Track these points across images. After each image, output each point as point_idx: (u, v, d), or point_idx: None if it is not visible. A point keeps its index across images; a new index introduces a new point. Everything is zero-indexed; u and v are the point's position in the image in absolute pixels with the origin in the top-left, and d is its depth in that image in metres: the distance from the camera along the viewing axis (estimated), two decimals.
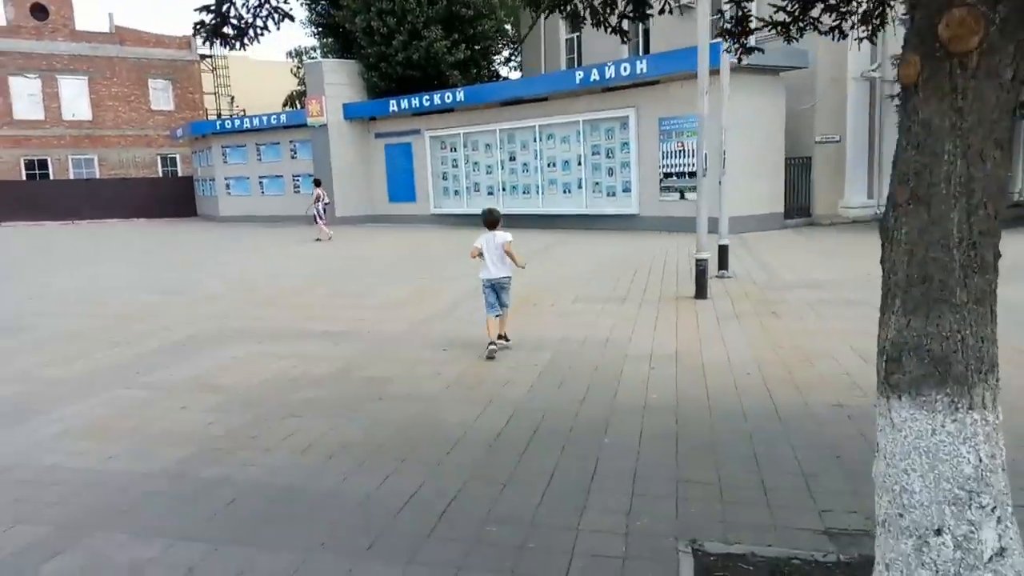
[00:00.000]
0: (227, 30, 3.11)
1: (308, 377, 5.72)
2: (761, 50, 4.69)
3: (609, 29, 4.44)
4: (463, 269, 11.83)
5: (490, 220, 6.63)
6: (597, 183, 18.84)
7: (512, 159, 20.80)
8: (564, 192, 19.71)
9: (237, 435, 4.44)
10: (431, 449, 4.08)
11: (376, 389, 5.32)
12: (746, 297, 8.50)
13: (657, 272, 10.79)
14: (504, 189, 21.08)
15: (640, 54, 21.90)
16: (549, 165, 19.93)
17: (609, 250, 14.00)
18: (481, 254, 6.52)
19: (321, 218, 19.46)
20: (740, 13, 4.37)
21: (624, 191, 18.40)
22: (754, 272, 10.51)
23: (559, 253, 13.79)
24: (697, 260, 8.61)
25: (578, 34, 25.09)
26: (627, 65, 17.07)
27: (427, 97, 21.83)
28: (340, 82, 24.12)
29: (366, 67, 23.91)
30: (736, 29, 4.43)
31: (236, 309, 8.88)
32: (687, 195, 17.00)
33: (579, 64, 24.16)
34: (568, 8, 4.54)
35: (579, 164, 19.19)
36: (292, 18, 3.15)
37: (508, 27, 29.36)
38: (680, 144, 17.03)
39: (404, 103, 22.46)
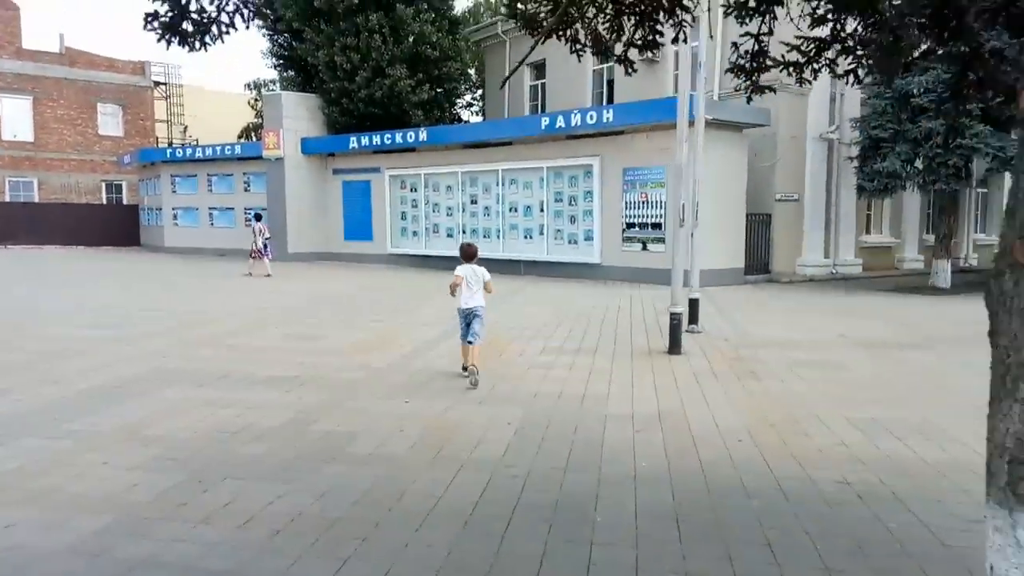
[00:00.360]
0: (186, 26, 2.61)
1: (253, 430, 5.08)
2: (773, 89, 4.38)
3: (614, 59, 4.08)
4: (423, 313, 11.29)
5: (468, 252, 7.15)
6: (559, 230, 18.60)
7: (474, 202, 20.47)
8: (525, 238, 19.41)
9: (166, 500, 3.79)
10: (396, 526, 3.51)
11: (331, 446, 4.73)
12: (720, 354, 8.17)
13: (625, 324, 10.43)
14: (464, 231, 20.66)
15: (604, 103, 22.02)
16: (511, 210, 19.65)
17: (573, 298, 13.64)
18: (458, 284, 6.95)
19: (264, 253, 18.71)
20: (757, 48, 4.06)
21: (586, 239, 18.18)
22: (723, 328, 10.24)
23: (521, 299, 13.36)
24: (672, 314, 8.26)
25: (542, 81, 25.19)
26: (593, 113, 17.02)
27: (388, 135, 21.46)
28: (299, 116, 23.59)
29: (327, 102, 23.47)
30: (750, 65, 4.11)
31: (175, 348, 8.13)
32: (649, 247, 16.87)
33: (542, 110, 24.19)
34: (568, 33, 4.17)
35: (541, 210, 18.95)
36: (265, 16, 2.69)
37: (471, 71, 29.37)
38: (644, 195, 16.94)
39: (365, 140, 22.03)
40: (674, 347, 8.14)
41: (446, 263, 21.63)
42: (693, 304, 9.87)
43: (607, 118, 16.74)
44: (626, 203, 17.28)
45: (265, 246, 18.84)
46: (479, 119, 33.01)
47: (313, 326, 9.83)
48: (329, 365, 7.25)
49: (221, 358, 7.58)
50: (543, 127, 18.00)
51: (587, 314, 11.36)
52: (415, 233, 22.02)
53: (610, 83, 22.54)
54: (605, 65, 22.91)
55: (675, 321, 8.18)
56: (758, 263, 18.06)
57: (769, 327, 10.40)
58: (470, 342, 6.72)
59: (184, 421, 5.26)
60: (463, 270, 6.98)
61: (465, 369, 6.71)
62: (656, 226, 16.74)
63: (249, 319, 10.49)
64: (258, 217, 19.89)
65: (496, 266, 20.31)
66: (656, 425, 5.32)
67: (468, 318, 6.87)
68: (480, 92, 35.33)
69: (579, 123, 17.26)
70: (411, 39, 22.90)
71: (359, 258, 23.10)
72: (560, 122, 17.61)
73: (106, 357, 7.54)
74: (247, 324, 9.98)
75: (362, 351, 8.05)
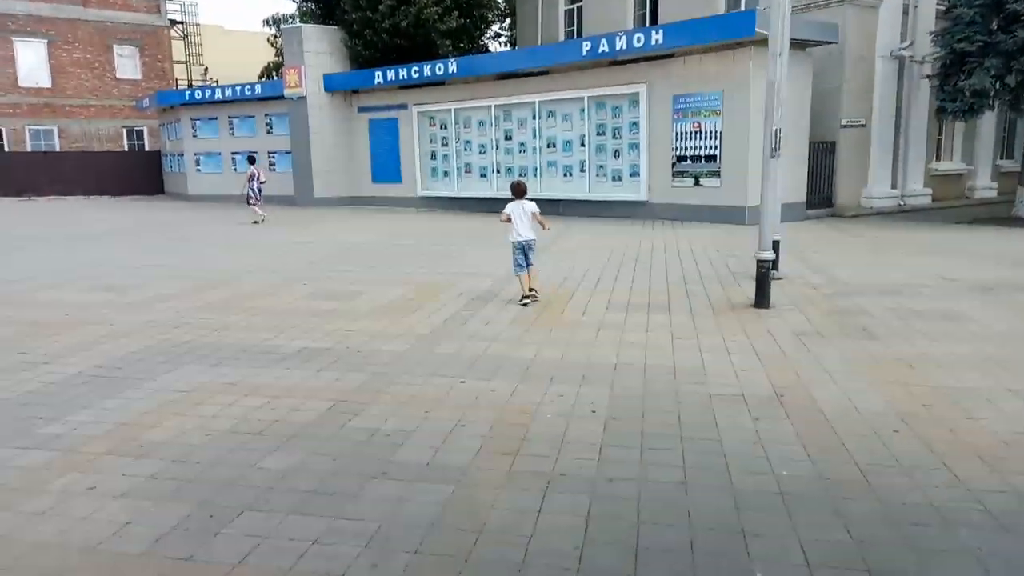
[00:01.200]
0: None
1: (280, 429, 4.10)
2: None
3: None
4: (467, 260, 10.20)
5: (518, 189, 7.85)
6: (602, 166, 17.26)
7: (508, 138, 19.12)
8: (565, 175, 18.10)
9: (164, 550, 2.83)
10: None
11: (378, 453, 3.73)
12: (815, 306, 7.00)
13: (692, 270, 9.25)
14: (498, 171, 19.41)
15: (647, 25, 20.25)
16: (549, 146, 18.30)
17: (624, 241, 12.45)
18: (510, 219, 7.66)
19: (255, 198, 17.69)
20: None
21: (632, 175, 16.83)
22: (805, 272, 9.01)
23: (568, 244, 12.21)
24: (759, 261, 7.07)
25: (579, 4, 23.34)
26: (640, 35, 15.43)
27: (416, 68, 20.02)
28: (321, 50, 22.18)
29: (349, 34, 21.99)
30: None
31: (190, 315, 7.17)
32: (703, 181, 15.50)
33: (579, 36, 22.45)
34: None
35: (582, 145, 17.57)
36: None
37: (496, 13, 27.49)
38: (696, 125, 15.48)
39: (390, 74, 20.62)
40: (762, 300, 6.99)
41: (481, 206, 20.58)
42: (774, 247, 8.62)
43: (656, 40, 15.15)
44: (676, 134, 15.84)
45: (259, 190, 17.81)
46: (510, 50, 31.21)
47: (344, 282, 8.83)
48: (366, 332, 6.25)
49: (241, 326, 6.62)
50: (584, 52, 16.45)
51: (645, 259, 10.19)
52: (446, 174, 20.80)
53: (654, 3, 20.69)
54: None
55: (764, 269, 7.00)
56: (820, 196, 16.59)
57: (855, 269, 9.16)
58: (529, 266, 7.48)
59: (195, 417, 4.30)
60: (512, 207, 7.69)
61: (526, 297, 7.34)
62: (710, 159, 15.32)
63: (274, 275, 9.52)
64: (251, 160, 18.76)
65: None
66: (777, 409, 4.24)
67: (524, 249, 7.50)
68: (509, 21, 33.39)
69: (624, 46, 15.69)
70: None
71: (389, 202, 22.00)
72: (603, 46, 16.05)
73: (105, 328, 6.61)
74: (271, 282, 9.01)
75: (403, 312, 7.04)
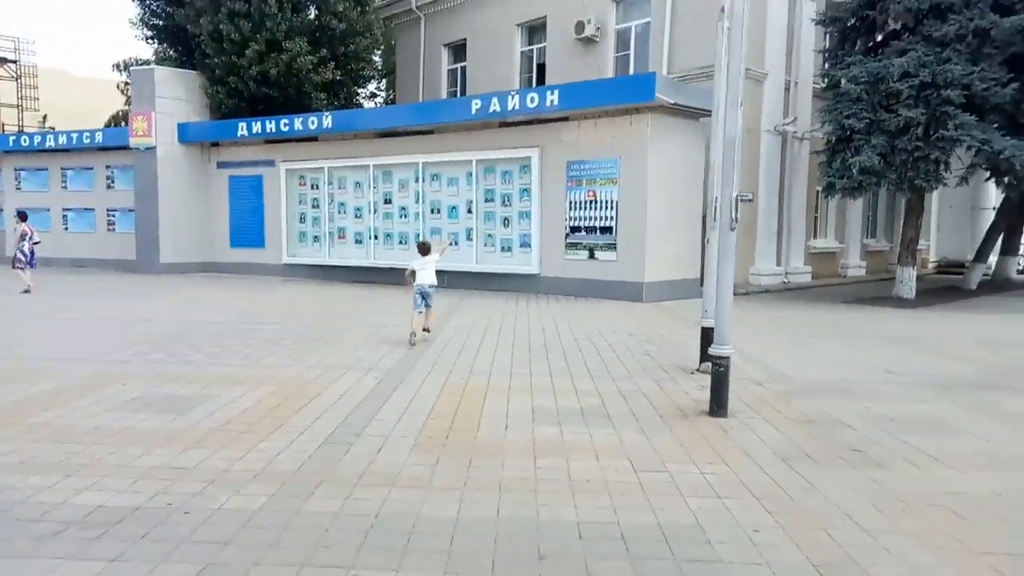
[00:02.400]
0: None
1: None
2: None
3: None
4: (343, 346, 8.35)
5: (424, 249, 9.25)
6: (490, 235, 16.02)
7: (388, 201, 17.56)
8: (450, 244, 16.65)
9: None
10: None
11: None
12: (776, 412, 5.81)
13: (611, 359, 7.95)
14: (375, 237, 17.72)
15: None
16: (433, 211, 16.89)
17: (522, 320, 11.06)
18: (414, 273, 8.97)
19: (25, 262, 14.90)
20: None
21: (523, 246, 15.68)
22: (736, 362, 7.91)
23: (462, 322, 10.68)
24: (715, 359, 5.80)
25: (462, 64, 22.51)
26: (534, 96, 14.52)
27: (286, 121, 18.18)
28: (176, 96, 19.84)
29: (211, 81, 19.86)
30: None
31: None
32: (598, 254, 14.56)
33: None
34: None
35: (469, 212, 16.30)
36: None
37: (378, 55, 26.28)
38: (592, 194, 14.61)
39: (256, 126, 18.64)
40: (720, 407, 5.70)
41: (355, 275, 18.61)
42: (707, 335, 7.48)
43: (551, 101, 14.27)
44: (570, 203, 14.90)
45: (32, 253, 15.13)
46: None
47: (183, 381, 6.76)
48: (203, 471, 4.33)
49: (8, 463, 4.50)
50: (473, 112, 15.34)
51: (554, 344, 8.83)
52: (316, 239, 18.84)
53: (540, 67, 20.16)
54: (535, 46, 20.52)
55: (722, 368, 5.74)
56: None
57: (788, 359, 8.20)
58: (421, 312, 8.91)
59: None
60: (418, 263, 9.08)
61: (415, 335, 8.78)
62: (606, 230, 14.44)
63: (85, 368, 7.27)
64: (22, 216, 15.92)
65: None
66: None
67: (423, 294, 8.92)
68: (385, 81, 32.25)
69: (517, 106, 14.72)
70: (313, 8, 19.69)
71: (249, 269, 19.66)
72: (494, 105, 15.01)
73: None
74: (78, 380, 6.78)
75: (261, 431, 5.16)
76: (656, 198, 14.03)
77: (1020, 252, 20.64)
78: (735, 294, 15.71)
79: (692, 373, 7.30)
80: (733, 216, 5.80)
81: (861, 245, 20.92)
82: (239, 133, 18.90)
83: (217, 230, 20.38)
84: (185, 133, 19.80)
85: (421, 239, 11.15)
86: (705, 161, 15.27)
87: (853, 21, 15.15)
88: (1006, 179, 14.00)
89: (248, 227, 19.94)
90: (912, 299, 15.09)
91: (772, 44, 16.74)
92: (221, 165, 20.16)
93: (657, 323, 11.10)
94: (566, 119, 14.90)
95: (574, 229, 14.89)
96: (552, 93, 14.33)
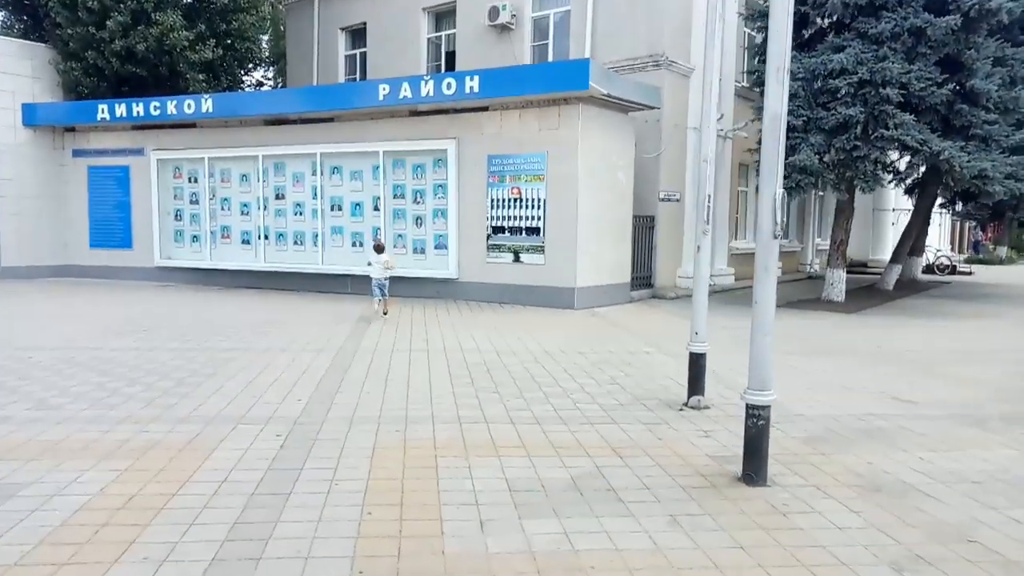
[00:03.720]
0: None
1: None
2: None
3: None
4: (232, 380, 6.43)
5: (378, 247, 11.70)
6: (400, 235, 14.27)
7: (280, 196, 15.43)
8: (354, 245, 14.81)
9: None
10: None
11: None
12: (828, 477, 4.49)
13: (577, 392, 6.50)
14: (266, 237, 15.55)
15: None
16: (333, 208, 14.94)
17: (452, 336, 9.44)
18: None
19: None
20: None
21: (438, 248, 14.03)
22: (725, 392, 6.66)
23: (382, 340, 8.95)
24: (751, 409, 4.36)
25: (362, 50, 20.51)
26: (451, 81, 12.89)
27: (157, 104, 15.66)
28: (20, 72, 16.82)
29: (64, 55, 16.96)
30: None
31: None
32: (523, 257, 13.13)
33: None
34: None
35: (376, 209, 14.49)
36: None
37: (265, 38, 23.78)
38: (516, 191, 13.16)
39: (121, 109, 16.00)
40: (757, 473, 4.28)
41: (242, 280, 16.07)
42: (697, 363, 6.14)
43: (471, 87, 12.68)
44: (492, 200, 13.39)
45: None
46: None
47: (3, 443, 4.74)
48: None
49: None
50: (381, 97, 13.52)
51: (499, 372, 7.28)
52: (195, 239, 16.42)
53: (450, 55, 18.51)
54: (444, 33, 18.85)
55: (760, 422, 4.31)
56: (641, 275, 15.04)
57: (783, 388, 7.01)
58: (380, 300, 11.30)
59: None
60: (372, 259, 11.51)
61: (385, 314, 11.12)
62: (533, 231, 13.03)
63: None
64: None
65: (311, 283, 15.51)
66: None
67: (380, 286, 11.32)
68: (274, 69, 29.59)
69: (431, 92, 13.04)
70: None
71: (113, 273, 16.94)
72: (405, 90, 13.26)
73: None
74: None
75: (106, 547, 3.31)
76: (587, 196, 12.76)
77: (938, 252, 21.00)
78: (666, 297, 14.80)
79: (680, 410, 5.95)
80: (778, 221, 4.41)
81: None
82: (100, 116, 16.17)
83: (74, 228, 17.48)
84: (32, 116, 16.81)
85: (377, 239, 12.86)
86: (633, 158, 14.21)
87: None
88: (947, 181, 13.65)
89: (112, 225, 17.20)
90: (842, 302, 14.59)
91: (697, 38, 15.86)
92: (78, 153, 17.28)
93: (602, 336, 9.77)
94: (486, 109, 13.38)
95: (497, 229, 13.39)
96: (472, 79, 12.74)
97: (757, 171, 14.08)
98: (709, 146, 6.03)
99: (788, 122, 12.80)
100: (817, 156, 12.94)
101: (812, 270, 22.48)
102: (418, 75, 13.99)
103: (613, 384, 6.80)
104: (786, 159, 13.37)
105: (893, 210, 24.72)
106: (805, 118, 12.99)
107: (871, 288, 17.66)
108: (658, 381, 6.98)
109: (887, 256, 24.52)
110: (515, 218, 13.23)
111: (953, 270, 23.78)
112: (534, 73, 12.75)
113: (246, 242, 15.88)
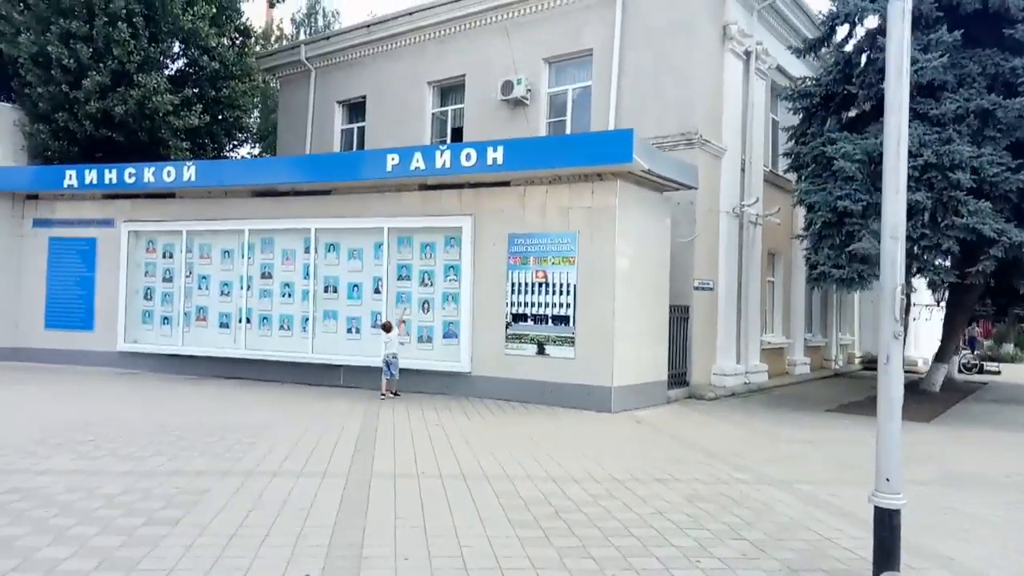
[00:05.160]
0: None
1: None
2: None
3: None
4: (216, 520, 4.46)
5: (387, 327, 11.56)
6: (404, 321, 12.44)
7: (266, 275, 13.64)
8: (349, 331, 12.95)
9: None
10: None
11: None
12: None
13: (689, 548, 4.64)
14: (247, 320, 13.65)
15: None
16: (327, 289, 13.16)
17: (483, 451, 7.51)
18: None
19: None
20: None
21: (448, 336, 12.23)
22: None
23: (384, 460, 7.01)
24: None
25: (360, 124, 19.23)
26: (471, 152, 11.40)
27: (132, 171, 14.00)
28: None
29: (32, 116, 15.37)
30: None
31: None
32: (549, 349, 11.36)
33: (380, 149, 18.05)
34: None
35: (376, 292, 12.74)
36: None
37: (255, 108, 22.50)
38: (541, 274, 11.52)
39: (91, 175, 14.30)
40: None
41: (217, 368, 13.46)
42: (888, 523, 4.29)
43: (493, 159, 11.20)
44: (513, 284, 11.72)
45: None
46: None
47: None
48: None
49: None
50: (389, 168, 11.99)
51: (567, 511, 5.40)
52: (166, 320, 14.46)
53: (457, 131, 17.23)
54: (450, 107, 17.64)
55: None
56: (676, 372, 13.28)
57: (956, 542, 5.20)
58: (389, 379, 11.42)
59: None
60: (384, 338, 11.50)
61: (383, 395, 11.26)
62: (560, 320, 11.33)
63: None
64: None
65: (301, 373, 13.53)
66: None
67: (387, 363, 11.37)
68: (263, 145, 28.29)
69: (448, 164, 11.53)
70: (177, 41, 15.88)
71: (70, 357, 14.80)
72: (417, 162, 11.74)
73: None
74: None
75: None
76: (624, 282, 11.15)
77: (962, 351, 19.59)
78: (705, 398, 12.97)
79: None
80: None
81: (803, 340, 19.03)
82: (67, 183, 14.43)
83: (28, 306, 15.41)
84: None
85: (383, 319, 12.05)
86: (670, 241, 12.72)
87: (822, 97, 13.40)
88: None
89: (72, 303, 15.18)
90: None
91: (729, 118, 14.75)
92: (39, 223, 15.42)
93: (665, 453, 7.92)
94: (507, 184, 11.91)
95: (518, 317, 11.65)
96: (495, 150, 11.26)
97: (807, 262, 12.44)
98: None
99: (845, 207, 11.52)
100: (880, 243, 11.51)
101: (837, 366, 20.94)
102: (431, 145, 12.57)
103: (738, 539, 4.93)
104: (845, 247, 12.10)
105: (915, 305, 23.49)
106: (864, 203, 11.63)
107: (915, 390, 16.05)
108: (796, 534, 5.12)
109: (910, 352, 23.18)
110: (540, 304, 11.53)
111: (981, 369, 22.38)
112: (568, 144, 11.32)
113: (224, 325, 13.95)
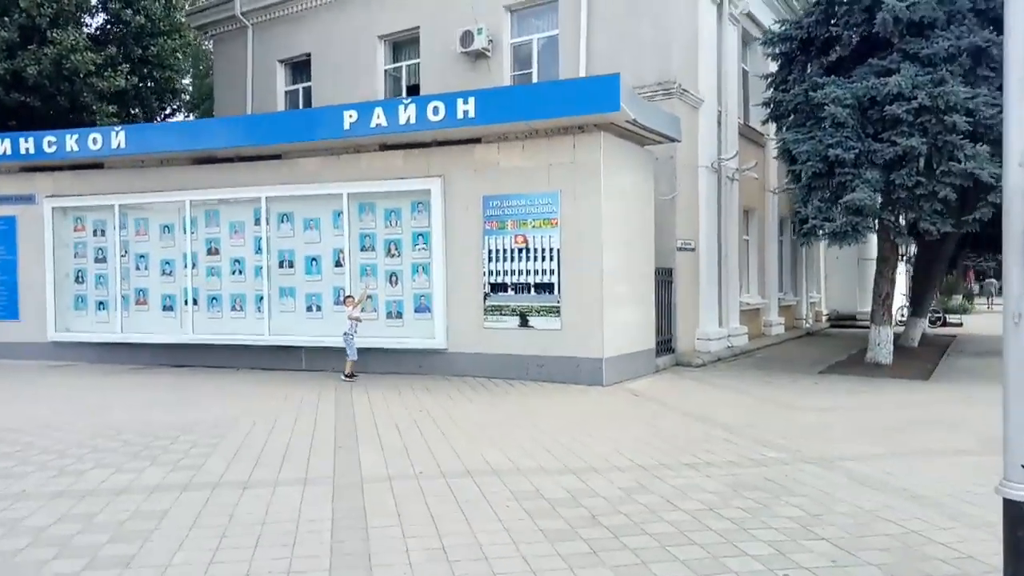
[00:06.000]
0: None
1: None
2: None
3: None
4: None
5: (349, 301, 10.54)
6: (370, 296, 11.37)
7: (213, 251, 12.35)
8: (309, 309, 11.82)
9: None
10: None
11: None
12: None
13: (761, 553, 3.87)
14: (195, 302, 12.37)
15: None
16: (283, 264, 11.96)
17: (480, 440, 6.62)
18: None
19: None
20: None
21: (419, 311, 11.23)
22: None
23: (372, 456, 6.05)
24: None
25: (305, 84, 17.78)
26: (439, 105, 10.29)
27: (53, 139, 12.47)
28: None
29: None
30: None
31: None
32: (533, 320, 10.48)
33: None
34: None
35: (338, 265, 11.62)
36: None
37: (186, 70, 20.70)
38: (521, 238, 10.58)
39: (5, 146, 12.73)
40: None
41: (162, 356, 12.27)
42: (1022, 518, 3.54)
43: (464, 111, 10.12)
44: (490, 251, 10.75)
45: None
46: None
47: None
48: None
49: None
50: (347, 126, 10.79)
51: (601, 506, 4.58)
52: (101, 305, 13.05)
53: (413, 89, 15.98)
54: (405, 63, 16.37)
55: None
56: (662, 339, 12.57)
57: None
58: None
59: None
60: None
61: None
62: (544, 288, 10.44)
63: None
64: None
65: (258, 358, 12.33)
66: None
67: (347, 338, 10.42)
68: (197, 112, 26.36)
69: (412, 119, 10.41)
70: None
71: None
72: (379, 117, 10.59)
73: None
74: None
75: None
76: (612, 244, 10.30)
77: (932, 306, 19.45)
78: (692, 364, 12.29)
79: None
80: None
81: (777, 300, 18.59)
82: None
83: None
84: None
85: (347, 294, 11.06)
86: (653, 199, 11.91)
87: (802, 41, 12.63)
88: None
89: None
90: (891, 364, 12.50)
91: (705, 67, 13.92)
92: None
93: (675, 430, 7.15)
94: (478, 140, 10.86)
95: (497, 287, 10.72)
96: (465, 102, 10.17)
97: (793, 216, 11.75)
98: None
99: (836, 156, 10.84)
100: (877, 195, 10.93)
101: (808, 324, 20.63)
102: (394, 99, 11.39)
103: (815, 539, 4.15)
104: (837, 198, 11.47)
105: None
106: (856, 151, 10.99)
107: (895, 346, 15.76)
108: (874, 527, 4.38)
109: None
110: (521, 272, 10.60)
111: (944, 322, 22.44)
112: (548, 92, 10.26)
113: (168, 308, 12.62)
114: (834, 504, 4.80)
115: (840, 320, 23.00)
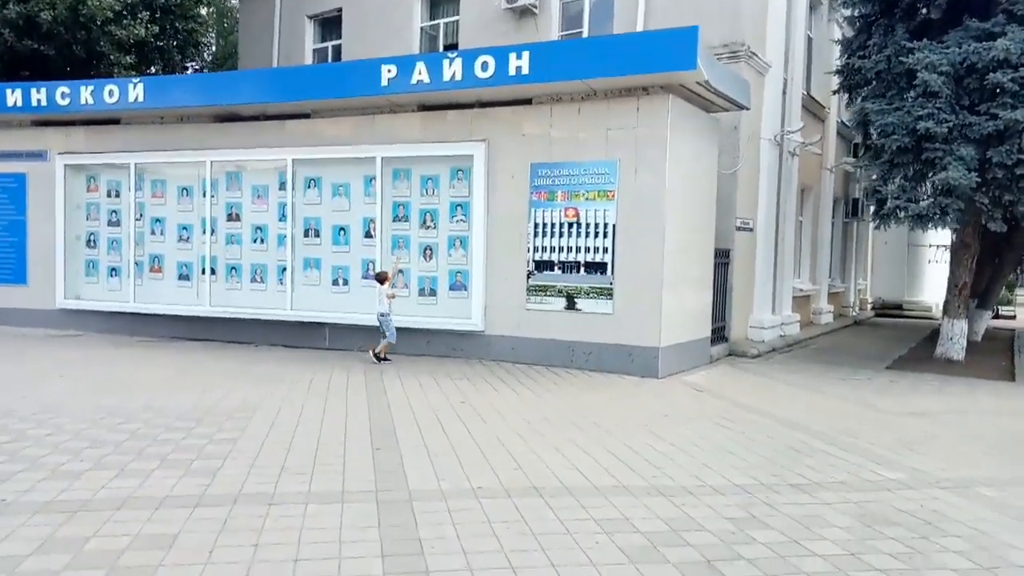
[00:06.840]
0: None
1: None
2: None
3: None
4: None
5: (381, 278, 9.63)
6: (402, 271, 10.43)
7: (233, 217, 11.44)
8: (335, 283, 10.91)
9: None
10: None
11: None
12: None
13: None
14: (212, 271, 11.50)
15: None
16: (307, 233, 11.03)
17: (539, 447, 5.68)
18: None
19: None
20: None
21: (455, 289, 10.28)
22: None
23: (454, 488, 5.14)
24: None
25: (335, 42, 16.74)
26: (489, 60, 9.24)
27: (66, 90, 11.58)
28: None
29: None
30: None
31: None
32: (580, 302, 9.48)
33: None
34: None
35: (368, 236, 10.67)
36: None
37: (210, 20, 19.70)
38: (572, 212, 9.55)
39: (15, 97, 11.88)
40: None
41: (177, 328, 11.18)
42: None
43: (517, 67, 9.07)
44: (536, 225, 9.75)
45: None
46: None
47: None
48: None
49: None
50: (385, 83, 9.78)
51: (707, 536, 3.62)
52: (114, 272, 12.22)
53: (451, 48, 14.88)
54: (443, 20, 15.26)
55: None
56: (716, 326, 11.54)
57: None
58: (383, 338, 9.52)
59: None
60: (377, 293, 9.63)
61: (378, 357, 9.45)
62: (596, 267, 9.43)
63: None
64: None
65: (278, 333, 11.44)
66: None
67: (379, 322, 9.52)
68: (221, 70, 25.40)
69: (459, 75, 9.37)
70: None
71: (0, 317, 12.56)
72: (420, 73, 9.56)
73: None
74: None
75: None
76: (674, 222, 9.26)
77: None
78: (747, 355, 11.12)
79: None
80: None
81: (827, 286, 17.46)
82: None
83: None
84: None
85: (378, 269, 10.12)
86: (716, 173, 10.83)
87: (887, 2, 11.38)
88: None
89: (0, 253, 12.83)
90: (963, 361, 11.42)
91: (773, 29, 12.72)
92: None
93: (775, 442, 6.15)
94: (528, 102, 9.80)
95: (542, 265, 9.72)
96: (519, 57, 9.11)
97: (875, 193, 10.61)
98: None
99: (927, 130, 9.62)
100: (969, 172, 9.75)
101: (855, 313, 19.49)
102: (439, 53, 10.34)
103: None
104: (929, 177, 10.32)
105: (931, 246, 22.06)
106: (949, 125, 9.80)
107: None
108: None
109: (924, 297, 21.89)
110: (570, 249, 9.59)
111: (997, 314, 21.18)
112: (614, 47, 9.11)
113: (184, 277, 11.77)
114: (992, 546, 3.83)
115: (885, 308, 21.84)
